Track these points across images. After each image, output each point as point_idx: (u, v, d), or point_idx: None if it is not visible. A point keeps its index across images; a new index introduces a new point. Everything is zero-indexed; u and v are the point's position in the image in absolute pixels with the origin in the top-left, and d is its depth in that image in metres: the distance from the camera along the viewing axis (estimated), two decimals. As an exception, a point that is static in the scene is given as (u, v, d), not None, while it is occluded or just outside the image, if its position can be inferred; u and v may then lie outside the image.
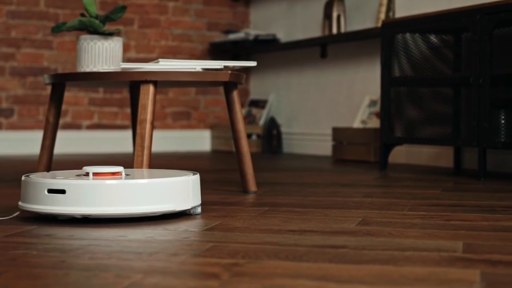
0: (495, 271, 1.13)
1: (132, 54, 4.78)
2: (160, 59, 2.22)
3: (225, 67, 2.33)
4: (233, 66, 2.31)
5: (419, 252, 1.28)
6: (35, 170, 3.19)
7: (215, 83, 2.39)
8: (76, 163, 3.66)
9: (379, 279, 1.06)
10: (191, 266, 1.15)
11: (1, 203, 2.00)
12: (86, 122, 4.66)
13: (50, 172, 1.86)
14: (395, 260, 1.20)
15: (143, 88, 2.16)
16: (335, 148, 3.99)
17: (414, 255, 1.25)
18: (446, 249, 1.31)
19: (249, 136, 4.72)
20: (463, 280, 1.06)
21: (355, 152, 3.84)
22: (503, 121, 2.81)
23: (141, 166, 2.11)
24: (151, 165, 3.48)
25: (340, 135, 3.94)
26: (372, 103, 3.99)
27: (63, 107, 4.60)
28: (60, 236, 1.45)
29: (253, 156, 4.39)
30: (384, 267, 1.15)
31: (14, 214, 1.73)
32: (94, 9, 2.40)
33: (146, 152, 2.12)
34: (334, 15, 4.21)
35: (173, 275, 1.09)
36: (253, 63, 2.29)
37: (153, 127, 2.15)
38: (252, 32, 4.81)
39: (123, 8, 2.39)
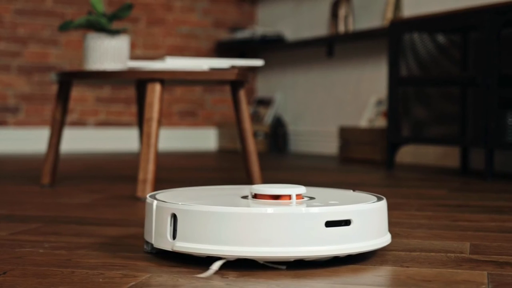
0: (503, 272, 1.12)
1: (139, 52, 4.78)
2: (166, 56, 2.22)
3: (232, 65, 2.32)
4: (240, 65, 2.31)
5: (426, 252, 1.27)
6: (41, 167, 3.19)
7: (222, 82, 2.39)
8: (84, 161, 3.67)
9: (386, 280, 1.06)
10: (198, 265, 1.15)
11: (14, 200, 2.00)
12: (92, 120, 4.67)
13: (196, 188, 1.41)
14: (401, 261, 1.20)
15: (150, 87, 2.16)
16: (341, 147, 3.98)
17: (421, 256, 1.24)
18: (453, 250, 1.31)
19: (255, 134, 4.72)
20: (470, 281, 1.05)
21: (362, 151, 3.84)
22: (510, 121, 2.80)
23: (147, 165, 2.10)
24: (158, 164, 3.48)
25: (347, 134, 3.94)
26: (379, 102, 3.98)
27: (70, 104, 4.60)
28: (67, 234, 1.45)
29: (259, 154, 4.39)
30: (390, 267, 1.15)
31: (217, 265, 1.11)
32: (101, 7, 2.40)
33: (152, 150, 2.12)
34: (341, 13, 4.20)
35: (179, 274, 1.08)
36: (260, 62, 2.28)
37: (159, 125, 2.15)
38: (258, 30, 4.80)
39: (130, 7, 2.39)
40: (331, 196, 1.29)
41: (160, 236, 1.19)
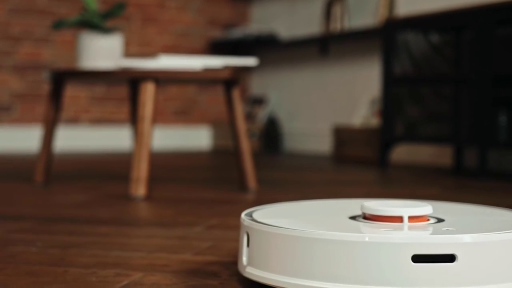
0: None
1: (132, 50, 4.77)
2: (160, 53, 2.22)
3: (225, 64, 2.32)
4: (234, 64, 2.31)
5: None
6: (34, 166, 3.18)
7: (215, 81, 2.38)
8: (77, 160, 3.66)
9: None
10: (191, 264, 1.15)
11: (7, 198, 1.99)
12: (85, 118, 4.66)
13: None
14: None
15: (143, 86, 2.16)
16: (335, 146, 3.98)
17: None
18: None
19: (249, 134, 4.72)
20: (463, 280, 1.05)
21: (356, 150, 3.84)
22: (503, 120, 2.80)
23: (140, 163, 2.10)
24: (152, 163, 3.47)
25: (341, 133, 3.94)
26: (373, 101, 3.98)
27: (63, 103, 4.59)
28: (60, 232, 1.45)
29: (253, 153, 4.39)
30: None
31: None
32: (95, 5, 2.40)
33: (145, 149, 2.12)
34: (336, 12, 4.20)
35: (173, 274, 1.08)
36: (252, 62, 2.28)
37: (152, 124, 2.15)
38: (252, 29, 4.80)
39: (123, 5, 2.39)
40: (462, 217, 1.02)
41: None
